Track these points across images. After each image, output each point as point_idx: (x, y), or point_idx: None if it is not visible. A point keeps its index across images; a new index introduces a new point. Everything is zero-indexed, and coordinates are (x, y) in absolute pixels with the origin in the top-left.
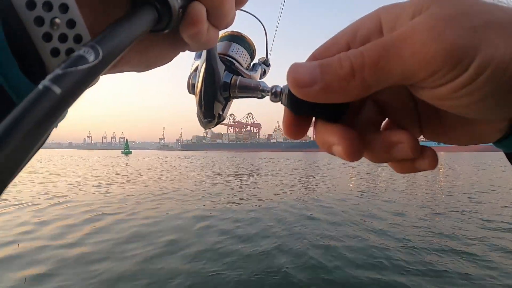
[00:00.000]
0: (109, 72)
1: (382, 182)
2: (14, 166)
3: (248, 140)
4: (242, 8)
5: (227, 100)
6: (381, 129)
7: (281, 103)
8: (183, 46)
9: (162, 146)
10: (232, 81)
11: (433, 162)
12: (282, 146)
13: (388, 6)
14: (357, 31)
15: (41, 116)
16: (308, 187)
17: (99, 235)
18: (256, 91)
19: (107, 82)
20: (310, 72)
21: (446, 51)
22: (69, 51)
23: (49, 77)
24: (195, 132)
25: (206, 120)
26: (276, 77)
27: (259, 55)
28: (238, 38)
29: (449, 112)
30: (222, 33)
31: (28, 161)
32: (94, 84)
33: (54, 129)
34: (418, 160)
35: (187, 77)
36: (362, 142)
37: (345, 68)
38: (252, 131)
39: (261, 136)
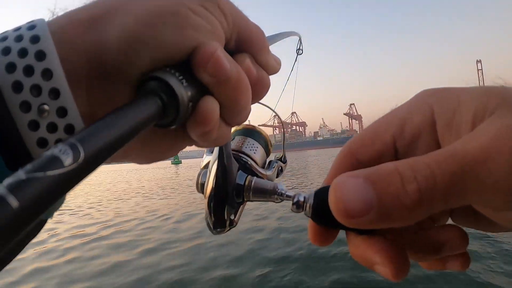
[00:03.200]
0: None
1: None
2: None
3: (294, 140)
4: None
5: (240, 203)
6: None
7: (305, 214)
8: (192, 142)
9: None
10: (247, 182)
11: (466, 264)
12: (329, 142)
13: (439, 93)
14: (404, 123)
15: None
16: None
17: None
18: (273, 195)
19: None
20: (363, 199)
21: None
22: (59, 142)
23: (6, 181)
24: None
25: (216, 230)
26: None
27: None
28: (252, 133)
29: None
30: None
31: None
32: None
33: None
34: (451, 260)
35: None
36: (407, 257)
37: (411, 195)
38: (298, 130)
39: (307, 135)
